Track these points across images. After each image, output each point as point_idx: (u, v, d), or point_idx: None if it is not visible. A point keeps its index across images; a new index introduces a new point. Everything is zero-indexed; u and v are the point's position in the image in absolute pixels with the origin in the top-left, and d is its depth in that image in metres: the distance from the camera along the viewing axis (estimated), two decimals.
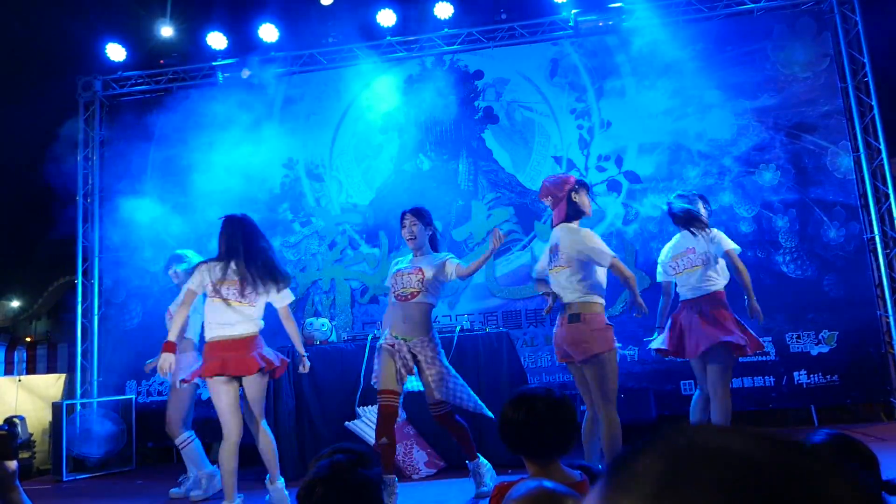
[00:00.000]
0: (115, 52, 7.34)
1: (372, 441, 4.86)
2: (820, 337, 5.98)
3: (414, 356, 3.92)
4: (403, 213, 4.11)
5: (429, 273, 3.93)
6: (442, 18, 6.90)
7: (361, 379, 5.02)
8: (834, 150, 6.20)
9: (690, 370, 4.29)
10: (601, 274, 3.64)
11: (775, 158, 6.27)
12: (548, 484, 1.29)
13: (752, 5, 6.53)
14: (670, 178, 6.38)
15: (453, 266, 3.95)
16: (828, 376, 5.90)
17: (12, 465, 1.98)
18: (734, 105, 6.38)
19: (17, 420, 2.15)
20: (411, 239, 4.04)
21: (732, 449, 0.44)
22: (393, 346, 3.94)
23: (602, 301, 3.64)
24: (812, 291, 6.04)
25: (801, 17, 6.44)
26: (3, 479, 1.97)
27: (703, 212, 4.10)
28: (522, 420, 1.76)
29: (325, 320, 5.67)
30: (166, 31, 6.97)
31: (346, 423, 4.98)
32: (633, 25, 6.62)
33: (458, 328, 5.23)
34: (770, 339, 5.97)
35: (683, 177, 6.39)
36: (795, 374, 5.94)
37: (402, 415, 4.89)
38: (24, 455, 6.41)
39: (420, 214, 4.07)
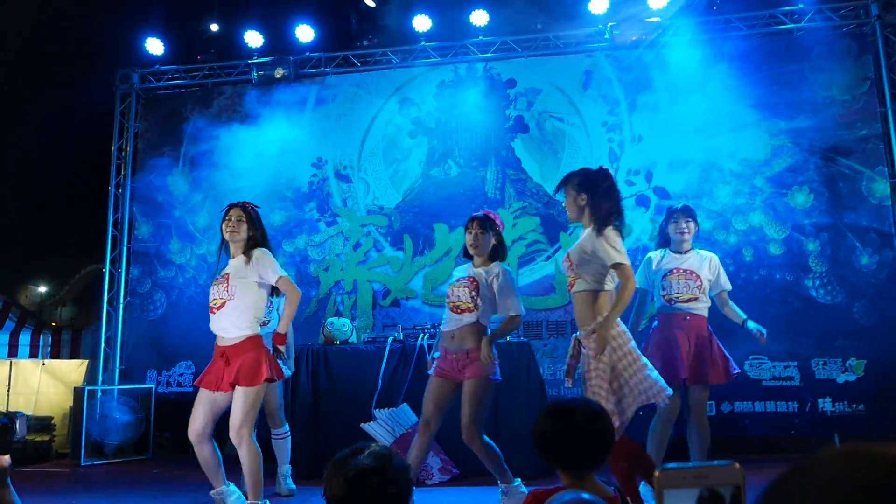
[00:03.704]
0: (154, 46, 7.45)
1: (387, 443, 4.85)
2: (847, 364, 5.85)
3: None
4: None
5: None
6: (478, 26, 6.91)
7: (380, 381, 5.02)
8: (870, 174, 6.08)
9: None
10: None
11: (809, 181, 6.18)
12: (586, 496, 1.27)
13: (792, 25, 6.45)
14: (700, 196, 6.30)
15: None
16: (853, 405, 5.77)
17: (5, 460, 1.92)
18: (769, 125, 6.30)
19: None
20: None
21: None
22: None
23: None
24: (841, 318, 5.92)
25: (842, 39, 6.34)
26: None
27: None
28: (562, 430, 1.71)
29: (347, 321, 5.69)
30: (211, 26, 7.04)
31: (362, 424, 4.97)
32: (670, 41, 6.57)
33: None
34: (795, 363, 5.87)
35: (714, 195, 6.31)
36: (820, 401, 5.82)
37: (414, 418, 4.88)
38: (44, 438, 6.51)
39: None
